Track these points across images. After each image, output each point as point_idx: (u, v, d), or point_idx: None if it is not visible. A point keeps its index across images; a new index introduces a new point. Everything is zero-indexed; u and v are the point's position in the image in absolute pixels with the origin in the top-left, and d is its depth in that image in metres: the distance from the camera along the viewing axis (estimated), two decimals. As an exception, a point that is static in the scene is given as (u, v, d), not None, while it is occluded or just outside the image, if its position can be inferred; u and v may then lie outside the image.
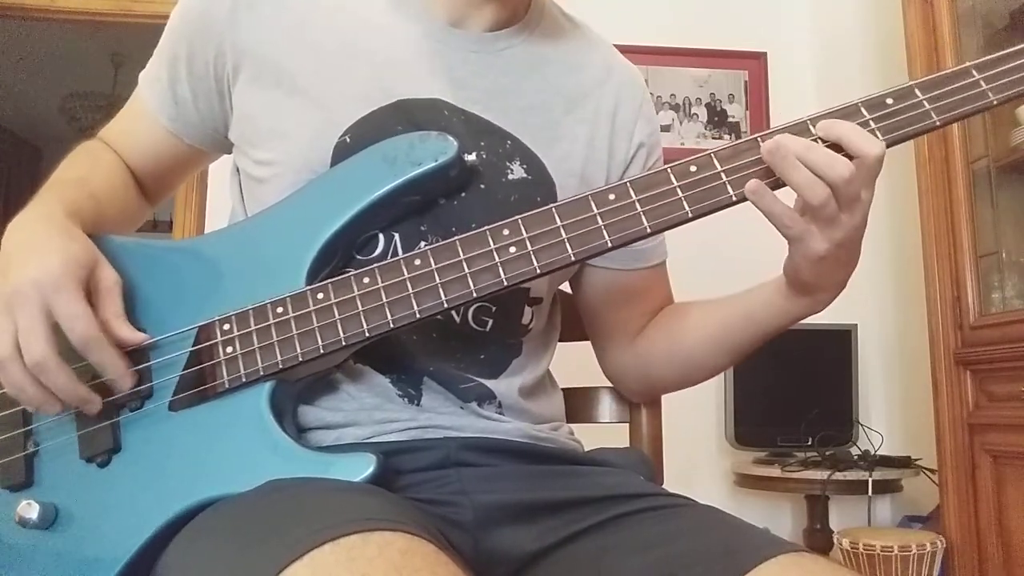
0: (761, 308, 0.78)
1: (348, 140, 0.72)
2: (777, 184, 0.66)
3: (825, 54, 2.90)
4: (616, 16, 2.70)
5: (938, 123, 0.66)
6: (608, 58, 0.87)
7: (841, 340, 2.53)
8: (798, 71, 2.91)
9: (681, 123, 2.87)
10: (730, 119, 2.89)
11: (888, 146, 0.66)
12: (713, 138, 2.87)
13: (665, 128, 2.84)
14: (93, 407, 0.66)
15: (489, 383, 0.76)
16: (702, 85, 2.90)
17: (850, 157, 0.64)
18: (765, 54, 2.92)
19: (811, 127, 0.67)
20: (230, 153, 0.83)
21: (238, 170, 0.81)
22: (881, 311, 2.62)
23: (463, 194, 0.74)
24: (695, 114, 2.88)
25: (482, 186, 0.74)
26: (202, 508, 0.63)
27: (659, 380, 0.91)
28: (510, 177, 0.76)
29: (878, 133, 0.66)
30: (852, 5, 2.79)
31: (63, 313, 0.64)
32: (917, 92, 0.67)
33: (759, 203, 0.65)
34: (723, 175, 0.66)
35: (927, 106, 0.66)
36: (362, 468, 0.62)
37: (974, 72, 0.67)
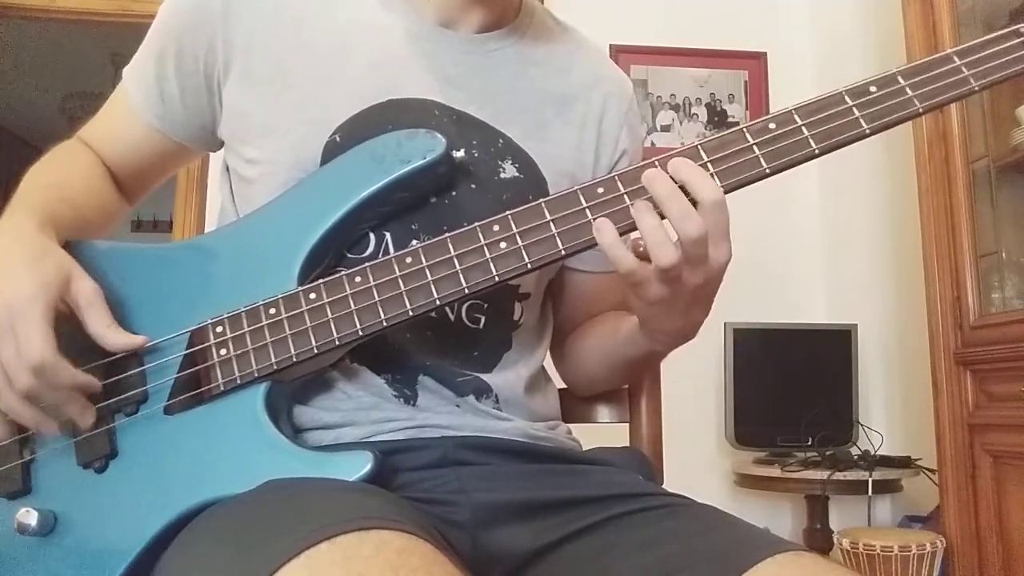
0: (624, 332, 0.79)
1: (338, 139, 0.72)
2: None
3: (825, 54, 2.90)
4: (617, 16, 2.70)
5: (921, 110, 0.66)
6: (597, 64, 0.87)
7: (841, 340, 2.53)
8: (798, 71, 2.91)
9: (681, 123, 2.87)
10: (730, 119, 2.90)
11: (872, 134, 0.66)
12: (713, 138, 2.86)
13: (665, 128, 2.85)
14: (88, 419, 0.66)
15: (485, 376, 0.76)
16: (702, 85, 2.90)
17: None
18: (765, 54, 2.92)
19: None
20: (216, 150, 0.83)
21: (228, 168, 0.81)
22: (881, 311, 2.62)
23: (455, 192, 0.74)
24: (695, 114, 2.88)
25: (473, 185, 0.74)
26: (200, 510, 0.63)
27: (571, 380, 0.93)
28: (502, 176, 0.76)
29: (862, 121, 0.66)
30: (852, 5, 2.79)
31: (19, 337, 0.63)
32: (899, 79, 0.67)
33: (601, 239, 0.64)
34: (710, 166, 0.66)
35: (909, 93, 0.66)
36: (359, 466, 0.62)
37: (955, 58, 0.67)
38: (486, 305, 0.76)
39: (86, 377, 0.66)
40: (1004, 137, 1.96)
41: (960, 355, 1.94)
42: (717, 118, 2.89)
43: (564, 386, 0.93)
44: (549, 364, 0.89)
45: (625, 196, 0.66)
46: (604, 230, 0.64)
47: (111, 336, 0.67)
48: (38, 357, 0.63)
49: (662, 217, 0.64)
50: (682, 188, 0.63)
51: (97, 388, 0.67)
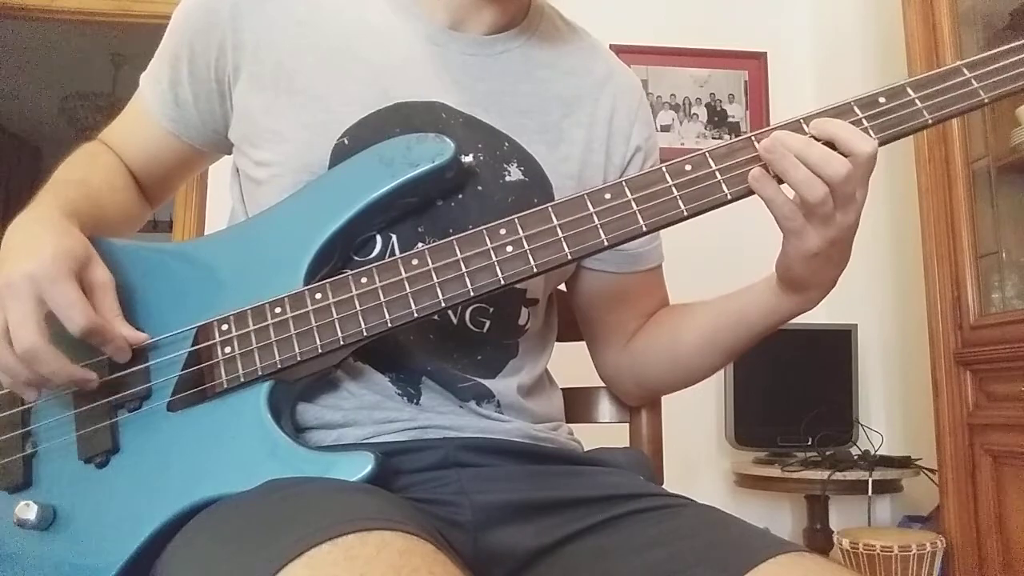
0: (752, 307, 0.78)
1: (347, 142, 0.73)
2: (778, 181, 0.66)
3: (825, 54, 2.90)
4: (617, 16, 2.70)
5: (930, 121, 0.67)
6: (606, 63, 0.88)
7: (841, 340, 2.53)
8: (798, 71, 2.91)
9: (681, 123, 2.87)
10: (730, 119, 2.89)
11: (881, 144, 0.66)
12: (713, 138, 2.87)
13: (665, 128, 2.85)
14: (91, 384, 0.66)
15: (487, 382, 0.76)
16: (702, 85, 2.90)
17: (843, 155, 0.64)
18: (765, 54, 2.92)
19: (804, 126, 0.67)
20: (230, 154, 0.83)
21: (238, 171, 0.81)
22: (881, 311, 2.62)
23: (460, 196, 0.74)
24: (695, 114, 2.88)
25: (479, 188, 0.74)
26: (201, 508, 0.63)
27: (655, 382, 0.91)
28: (507, 179, 0.76)
29: (871, 132, 0.66)
30: (852, 5, 2.79)
31: (59, 303, 0.64)
32: (909, 91, 0.67)
33: (762, 191, 0.66)
34: (718, 173, 0.66)
35: (919, 104, 0.67)
36: (361, 467, 0.62)
37: (965, 71, 0.67)
38: (491, 309, 0.76)
39: (132, 336, 0.67)
40: (1004, 137, 1.96)
41: (960, 355, 1.94)
42: (717, 118, 2.89)
43: (565, 386, 0.93)
44: (554, 367, 0.88)
45: (632, 202, 0.66)
46: (761, 178, 0.65)
47: (118, 326, 0.67)
48: (85, 321, 0.64)
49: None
50: (828, 144, 0.65)
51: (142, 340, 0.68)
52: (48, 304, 0.64)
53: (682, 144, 2.83)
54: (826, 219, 0.66)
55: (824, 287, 0.74)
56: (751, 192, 0.67)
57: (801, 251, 0.68)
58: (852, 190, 0.65)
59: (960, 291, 1.94)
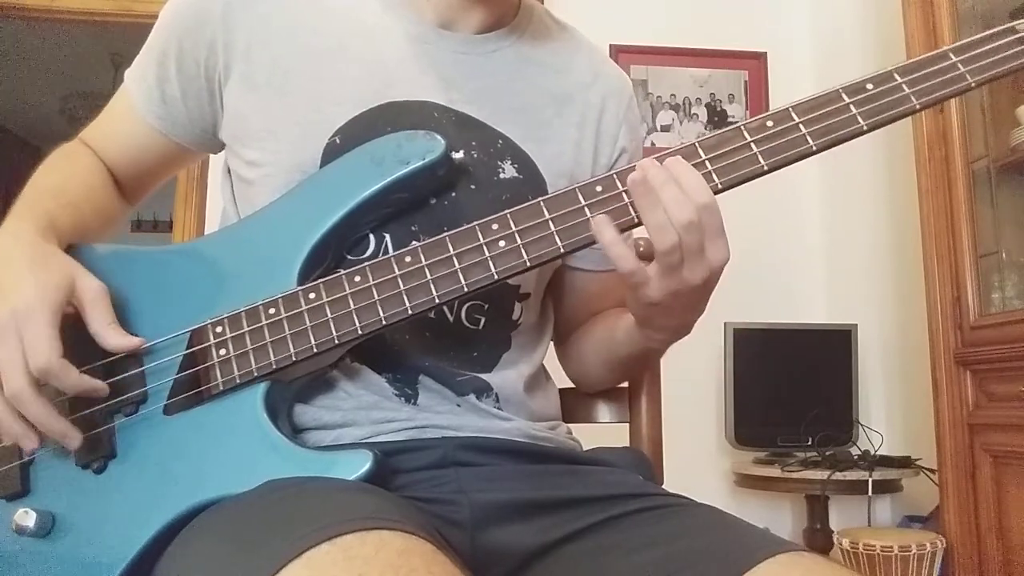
0: (621, 331, 0.80)
1: (338, 141, 0.73)
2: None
3: (825, 54, 2.91)
4: (617, 16, 2.71)
5: (918, 106, 0.67)
6: (595, 62, 0.88)
7: (841, 340, 2.53)
8: (798, 71, 2.92)
9: (681, 123, 2.87)
10: (730, 119, 2.90)
11: (871, 130, 0.66)
12: (713, 138, 2.87)
13: (665, 128, 2.85)
14: (73, 442, 0.65)
15: (484, 376, 0.76)
16: (702, 85, 2.90)
17: None
18: (765, 54, 2.92)
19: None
20: (217, 152, 0.83)
21: (229, 171, 0.81)
22: (881, 311, 2.62)
23: (454, 193, 0.74)
24: (695, 114, 2.88)
25: (472, 186, 0.75)
26: (200, 511, 0.63)
27: (575, 380, 0.94)
28: (502, 176, 0.76)
29: (860, 118, 0.66)
30: (852, 5, 2.79)
31: (27, 342, 0.63)
32: (896, 76, 0.67)
33: (602, 238, 0.64)
34: (708, 163, 0.66)
35: (906, 90, 0.67)
36: (359, 465, 0.62)
37: (951, 55, 0.67)
38: (486, 306, 0.76)
39: (92, 381, 0.66)
40: (1004, 137, 1.96)
41: (960, 355, 1.94)
42: (717, 118, 2.89)
43: (564, 385, 0.93)
44: (555, 367, 0.89)
45: (624, 194, 0.66)
46: (603, 228, 0.64)
47: (111, 335, 0.67)
48: (44, 361, 0.63)
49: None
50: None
51: (104, 392, 0.66)
52: (18, 339, 0.63)
53: (681, 143, 2.83)
54: (671, 270, 0.64)
55: (668, 331, 0.73)
56: (740, 182, 0.66)
57: (638, 299, 0.68)
58: (698, 242, 0.63)
59: (960, 291, 1.95)
